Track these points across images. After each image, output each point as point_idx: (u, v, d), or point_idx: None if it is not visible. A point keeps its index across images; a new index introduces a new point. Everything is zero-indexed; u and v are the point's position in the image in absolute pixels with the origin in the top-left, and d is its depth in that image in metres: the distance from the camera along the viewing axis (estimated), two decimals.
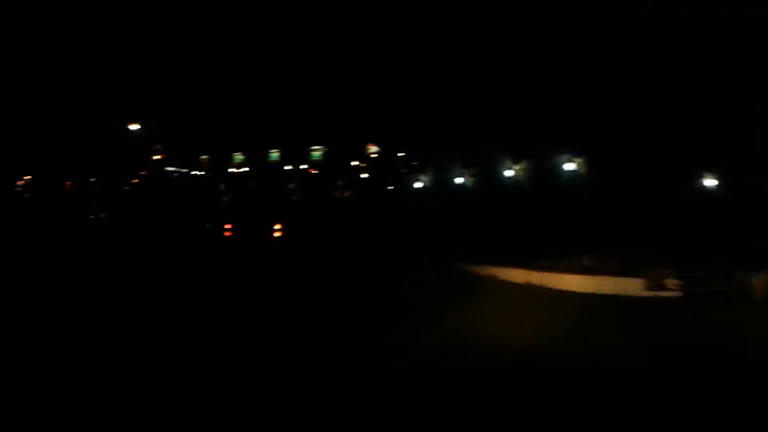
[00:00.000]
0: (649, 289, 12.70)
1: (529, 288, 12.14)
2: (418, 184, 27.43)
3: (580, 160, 15.51)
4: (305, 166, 44.59)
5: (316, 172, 44.46)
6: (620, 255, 13.15)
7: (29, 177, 55.02)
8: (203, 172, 47.83)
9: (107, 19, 40.57)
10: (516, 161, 18.36)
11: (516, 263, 13.99)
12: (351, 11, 34.72)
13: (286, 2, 38.31)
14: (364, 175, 40.48)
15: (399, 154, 39.64)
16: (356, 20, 34.96)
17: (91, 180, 52.49)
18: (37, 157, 48.11)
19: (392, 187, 33.61)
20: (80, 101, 45.16)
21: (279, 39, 40.40)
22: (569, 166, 15.98)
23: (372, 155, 40.11)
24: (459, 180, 22.11)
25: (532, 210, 15.68)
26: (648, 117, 14.04)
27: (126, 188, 47.20)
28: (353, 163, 42.51)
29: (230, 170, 46.61)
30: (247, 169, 46.44)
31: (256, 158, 44.81)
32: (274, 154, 43.46)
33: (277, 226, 20.71)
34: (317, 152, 42.13)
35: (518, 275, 13.58)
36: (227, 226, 21.15)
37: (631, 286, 12.70)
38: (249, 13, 39.46)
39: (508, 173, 18.80)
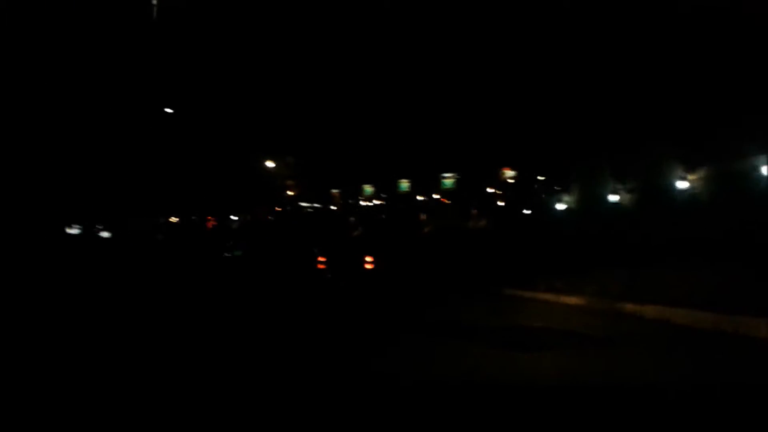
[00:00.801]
0: None
1: (722, 338, 8.51)
2: (560, 206, 23.77)
3: None
4: (437, 196, 42.36)
5: (449, 201, 42.02)
6: None
7: (177, 219, 58.05)
8: (335, 207, 47.29)
9: (239, 60, 41.42)
10: (692, 168, 14.44)
11: (696, 303, 10.31)
12: (479, 36, 32.48)
13: (416, 31, 36.76)
14: (501, 203, 37.36)
15: (538, 178, 36.12)
16: (485, 43, 32.67)
17: (231, 218, 54.19)
18: (177, 196, 50.38)
19: (530, 212, 30.08)
20: (218, 139, 46.65)
21: (407, 67, 38.95)
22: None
23: (508, 180, 36.92)
24: (613, 198, 18.33)
25: (715, 230, 11.84)
26: None
27: (262, 225, 47.76)
28: (488, 190, 39.55)
29: (361, 203, 45.61)
30: (377, 201, 45.17)
31: (386, 189, 43.38)
32: (405, 184, 41.60)
33: (369, 258, 18.63)
34: (449, 180, 39.64)
35: (705, 318, 9.93)
36: (321, 259, 19.59)
37: None
38: (378, 45, 38.50)
39: (681, 184, 14.86)
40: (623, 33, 15.74)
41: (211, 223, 56.82)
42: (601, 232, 16.59)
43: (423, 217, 40.27)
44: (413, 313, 12.28)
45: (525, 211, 31.65)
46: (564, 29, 20.09)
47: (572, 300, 13.27)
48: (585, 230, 17.95)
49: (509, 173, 36.60)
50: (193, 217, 58.37)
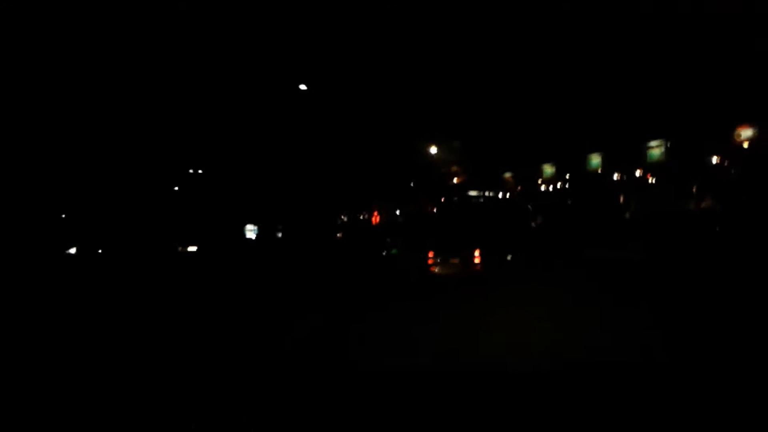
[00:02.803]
0: None
1: None
2: None
3: None
4: (640, 172, 33.06)
5: (653, 180, 32.53)
6: None
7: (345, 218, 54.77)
8: (508, 193, 39.85)
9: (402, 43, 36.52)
10: None
11: None
12: None
13: None
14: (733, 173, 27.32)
15: None
16: None
17: (396, 212, 49.22)
18: (342, 192, 46.78)
19: None
20: (377, 125, 41.96)
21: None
22: None
23: (745, 142, 26.82)
24: None
25: None
26: None
27: (422, 219, 41.98)
28: (713, 160, 29.59)
29: (541, 187, 37.63)
30: (560, 184, 36.89)
31: (572, 167, 34.97)
32: (596, 160, 32.94)
33: (477, 252, 15.56)
34: (656, 149, 30.24)
35: None
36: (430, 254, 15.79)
37: None
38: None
39: None
40: None
41: (376, 218, 52.55)
42: None
43: (622, 199, 31.38)
44: None
45: None
46: None
47: None
48: None
49: (746, 132, 26.44)
50: (361, 214, 54.90)
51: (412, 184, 45.88)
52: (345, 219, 57.06)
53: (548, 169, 36.21)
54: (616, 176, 34.31)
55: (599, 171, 33.59)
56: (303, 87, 31.66)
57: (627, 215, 31.62)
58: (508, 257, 23.45)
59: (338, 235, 48.79)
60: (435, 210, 42.52)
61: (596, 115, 32.84)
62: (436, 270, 15.22)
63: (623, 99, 31.21)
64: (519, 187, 40.38)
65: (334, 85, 40.33)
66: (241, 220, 53.97)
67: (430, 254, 15.31)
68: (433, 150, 43.60)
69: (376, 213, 51.50)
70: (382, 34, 36.28)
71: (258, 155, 47.01)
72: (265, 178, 48.80)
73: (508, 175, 39.06)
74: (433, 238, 18.20)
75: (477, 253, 15.30)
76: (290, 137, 42.60)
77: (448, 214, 38.98)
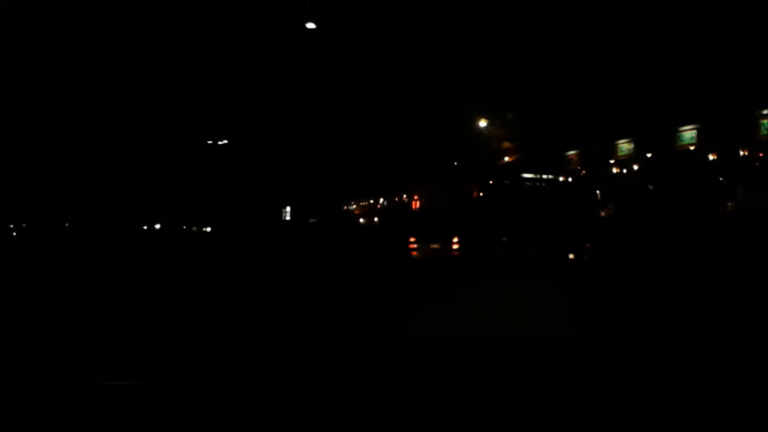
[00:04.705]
0: None
1: None
2: None
3: None
4: (745, 151, 25.51)
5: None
6: None
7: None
8: (571, 177, 32.83)
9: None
10: None
11: None
12: None
13: None
14: None
15: None
16: None
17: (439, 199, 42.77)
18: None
19: None
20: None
21: None
22: None
23: None
24: None
25: None
26: None
27: (469, 204, 35.42)
28: None
29: (613, 168, 30.41)
30: (637, 165, 29.61)
31: (655, 144, 27.64)
32: (688, 134, 25.55)
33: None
34: None
35: None
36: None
37: None
38: None
39: None
40: None
41: (416, 203, 46.22)
42: None
43: (724, 184, 24.09)
44: None
45: None
46: None
47: None
48: None
49: None
50: (399, 197, 48.90)
51: (455, 164, 39.24)
52: (383, 203, 51.49)
53: (624, 146, 28.94)
54: (712, 156, 26.91)
55: (692, 148, 26.23)
56: (311, 25, 25.42)
57: (730, 205, 24.33)
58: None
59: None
60: (481, 194, 35.88)
61: (690, 76, 25.38)
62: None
63: (728, 53, 23.74)
64: (584, 171, 33.32)
65: (367, 41, 34.01)
66: (276, 199, 48.59)
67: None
68: (483, 123, 36.84)
69: (416, 197, 45.27)
70: None
71: (287, 123, 40.91)
72: (295, 151, 42.68)
73: (572, 153, 31.98)
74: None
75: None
76: (318, 102, 36.52)
77: (495, 200, 32.43)
